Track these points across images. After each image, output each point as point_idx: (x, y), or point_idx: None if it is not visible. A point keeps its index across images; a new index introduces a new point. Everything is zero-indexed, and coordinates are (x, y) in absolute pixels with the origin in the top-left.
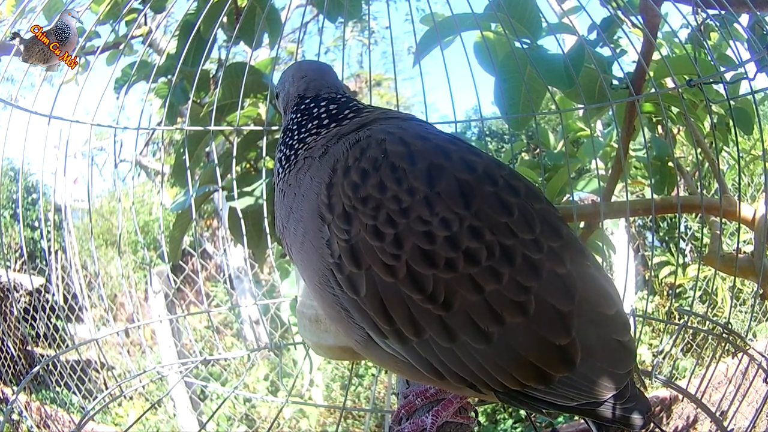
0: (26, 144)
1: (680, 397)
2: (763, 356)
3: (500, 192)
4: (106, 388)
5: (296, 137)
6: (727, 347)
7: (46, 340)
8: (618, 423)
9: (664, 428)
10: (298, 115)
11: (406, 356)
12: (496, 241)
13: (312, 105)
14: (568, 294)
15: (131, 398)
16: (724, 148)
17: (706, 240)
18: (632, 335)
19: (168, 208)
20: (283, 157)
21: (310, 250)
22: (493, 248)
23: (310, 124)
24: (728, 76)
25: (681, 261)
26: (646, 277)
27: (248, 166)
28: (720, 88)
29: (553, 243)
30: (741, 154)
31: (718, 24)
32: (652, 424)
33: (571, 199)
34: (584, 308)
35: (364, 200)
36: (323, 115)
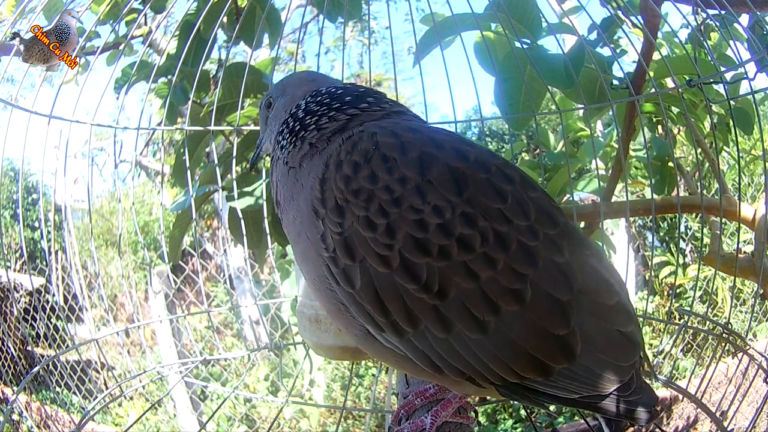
0: (26, 144)
1: (680, 397)
2: (763, 356)
3: (493, 178)
4: (106, 388)
5: (306, 111)
6: (727, 347)
7: (46, 341)
8: (623, 417)
9: (664, 428)
10: (311, 100)
11: (403, 349)
12: (490, 227)
13: (324, 90)
14: (567, 283)
15: (131, 398)
16: (724, 148)
17: (706, 240)
18: (637, 325)
19: (168, 208)
20: (288, 134)
21: (306, 245)
22: (486, 234)
23: (321, 98)
24: (728, 76)
25: (681, 261)
26: (647, 277)
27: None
28: (720, 88)
29: (550, 231)
30: (741, 154)
31: (718, 24)
32: (652, 424)
33: (571, 199)
34: (584, 298)
35: (356, 192)
36: (337, 91)
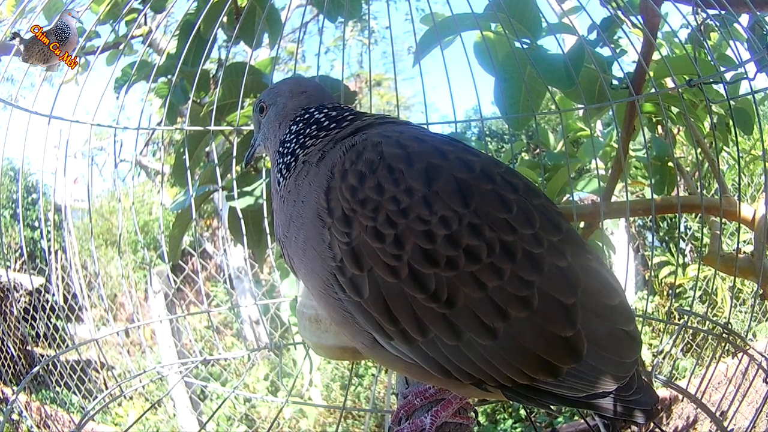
0: (26, 144)
1: (680, 397)
2: (763, 356)
3: (498, 189)
4: (106, 388)
5: (297, 142)
6: (727, 347)
7: (46, 340)
8: (625, 415)
9: (664, 428)
10: (301, 124)
11: (412, 357)
12: (496, 237)
13: (314, 112)
14: (571, 286)
15: (131, 398)
16: (724, 148)
17: (706, 240)
18: (636, 324)
19: (168, 208)
20: (283, 167)
21: (312, 256)
22: (493, 245)
23: (309, 129)
24: (728, 76)
25: (681, 261)
26: (646, 277)
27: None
28: (720, 88)
29: (553, 237)
30: (741, 154)
31: (718, 24)
32: (652, 424)
33: (571, 199)
34: (588, 300)
35: (362, 202)
36: (322, 119)
